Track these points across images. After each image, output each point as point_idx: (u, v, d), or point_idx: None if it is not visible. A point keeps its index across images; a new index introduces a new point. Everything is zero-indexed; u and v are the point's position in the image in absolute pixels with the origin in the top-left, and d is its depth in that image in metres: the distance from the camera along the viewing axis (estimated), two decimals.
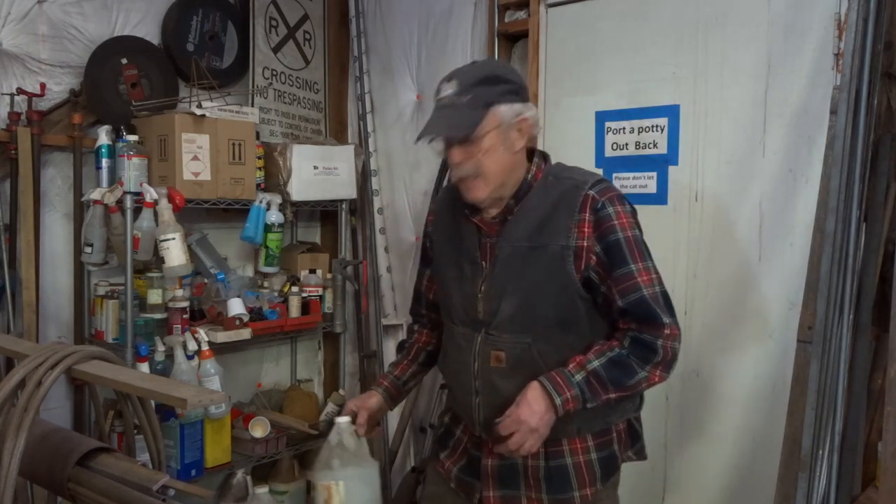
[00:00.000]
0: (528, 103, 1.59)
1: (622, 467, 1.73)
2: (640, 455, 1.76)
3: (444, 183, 2.99)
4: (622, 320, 1.56)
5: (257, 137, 2.95)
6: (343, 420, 1.61)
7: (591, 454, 1.63)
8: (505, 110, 1.53)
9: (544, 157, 1.68)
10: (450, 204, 1.74)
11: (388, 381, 1.85)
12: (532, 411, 1.48)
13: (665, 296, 1.55)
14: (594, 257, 1.53)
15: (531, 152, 1.65)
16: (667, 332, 1.52)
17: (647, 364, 1.53)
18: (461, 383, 1.70)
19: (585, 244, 1.53)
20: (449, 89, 1.54)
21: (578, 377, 1.51)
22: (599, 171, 2.55)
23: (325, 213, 3.46)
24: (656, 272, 1.56)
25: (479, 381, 1.63)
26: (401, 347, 1.95)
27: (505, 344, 1.59)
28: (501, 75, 1.56)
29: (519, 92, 1.57)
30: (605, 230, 1.53)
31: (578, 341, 1.58)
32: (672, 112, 2.45)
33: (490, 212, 1.63)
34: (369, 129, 3.32)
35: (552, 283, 1.55)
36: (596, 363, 1.52)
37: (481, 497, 1.67)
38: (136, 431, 1.76)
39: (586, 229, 1.53)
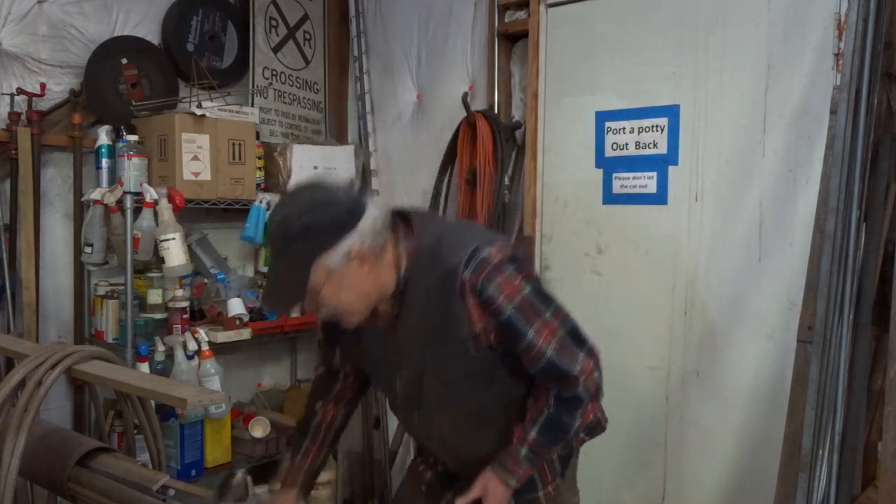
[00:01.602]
0: (356, 227, 1.39)
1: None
2: (593, 432, 1.75)
3: (443, 186, 2.99)
4: (539, 379, 1.56)
5: (257, 137, 2.95)
6: None
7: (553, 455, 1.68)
8: (330, 257, 1.39)
9: (407, 224, 1.52)
10: None
11: (301, 476, 1.74)
12: (498, 501, 1.55)
13: (572, 334, 1.52)
14: (493, 334, 1.50)
15: (393, 223, 1.50)
16: (582, 378, 1.51)
17: (577, 411, 1.55)
18: (420, 440, 1.83)
19: (481, 326, 1.49)
20: (271, 252, 1.48)
21: (524, 451, 1.55)
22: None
23: None
24: (555, 315, 1.51)
25: (434, 446, 1.72)
26: (303, 428, 1.79)
27: (443, 421, 1.64)
28: (314, 222, 1.37)
29: (341, 226, 1.39)
30: (493, 311, 1.47)
31: (511, 388, 1.60)
32: (672, 112, 2.45)
33: (377, 312, 1.55)
34: (369, 129, 3.33)
35: (464, 368, 1.54)
36: (534, 433, 1.55)
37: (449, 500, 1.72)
38: (136, 431, 1.77)
39: (475, 313, 1.47)
